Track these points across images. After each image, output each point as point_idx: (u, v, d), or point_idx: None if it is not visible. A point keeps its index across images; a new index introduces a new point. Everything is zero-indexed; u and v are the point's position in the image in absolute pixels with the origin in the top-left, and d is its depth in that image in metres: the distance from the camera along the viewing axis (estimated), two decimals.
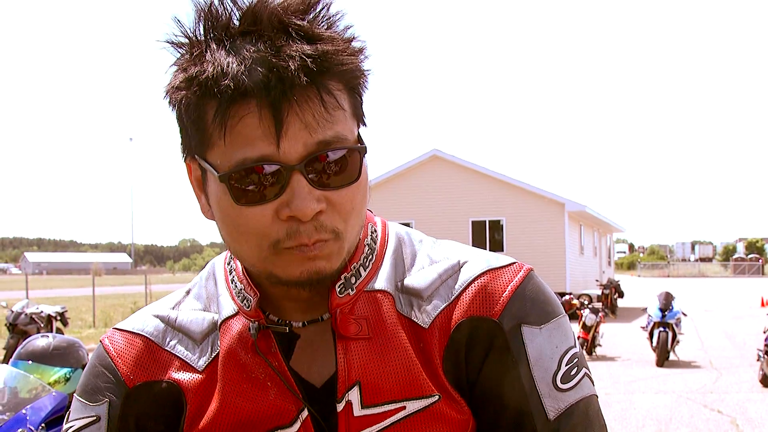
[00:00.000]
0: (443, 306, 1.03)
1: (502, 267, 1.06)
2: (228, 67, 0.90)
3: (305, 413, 1.01)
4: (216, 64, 0.91)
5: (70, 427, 1.09)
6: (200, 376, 1.05)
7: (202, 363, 1.06)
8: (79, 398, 1.10)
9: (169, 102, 0.97)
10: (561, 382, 1.02)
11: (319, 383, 1.03)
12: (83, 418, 1.08)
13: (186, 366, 1.06)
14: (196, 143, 0.96)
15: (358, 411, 1.00)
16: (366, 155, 0.98)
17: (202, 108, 0.93)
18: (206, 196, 1.01)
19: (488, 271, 1.06)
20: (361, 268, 1.05)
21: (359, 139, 0.99)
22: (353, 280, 1.04)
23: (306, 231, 0.93)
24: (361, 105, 0.99)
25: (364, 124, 1.01)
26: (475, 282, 1.04)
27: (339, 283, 1.03)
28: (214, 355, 1.06)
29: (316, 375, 1.03)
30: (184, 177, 1.05)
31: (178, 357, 1.07)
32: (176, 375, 1.06)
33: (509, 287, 1.04)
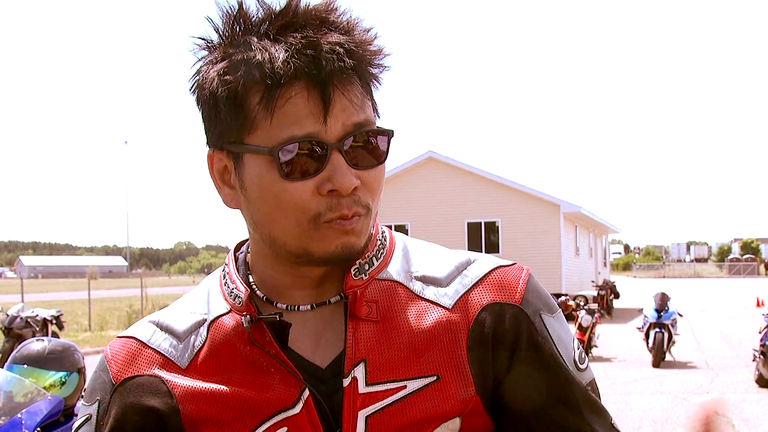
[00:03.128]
0: (464, 290, 1.11)
1: (508, 265, 1.15)
2: (277, 52, 0.98)
3: (307, 393, 1.05)
4: (264, 50, 0.99)
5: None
6: (182, 371, 1.10)
7: (185, 360, 1.11)
8: (82, 402, 1.17)
9: (202, 93, 1.04)
10: (579, 362, 1.13)
11: (324, 364, 1.07)
12: (81, 418, 1.16)
13: (168, 361, 1.12)
14: (233, 129, 1.02)
15: (363, 388, 1.04)
16: (393, 138, 1.07)
17: (247, 92, 1.00)
18: (230, 187, 1.08)
19: (498, 267, 1.14)
20: (374, 258, 1.13)
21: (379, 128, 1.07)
22: (366, 267, 1.11)
23: (346, 203, 1.02)
24: (375, 98, 1.08)
25: (379, 116, 1.08)
26: (491, 274, 1.12)
27: (354, 267, 1.10)
28: (196, 350, 1.11)
29: (321, 356, 1.08)
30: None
31: (162, 354, 1.13)
32: (158, 371, 1.11)
33: (521, 280, 1.13)
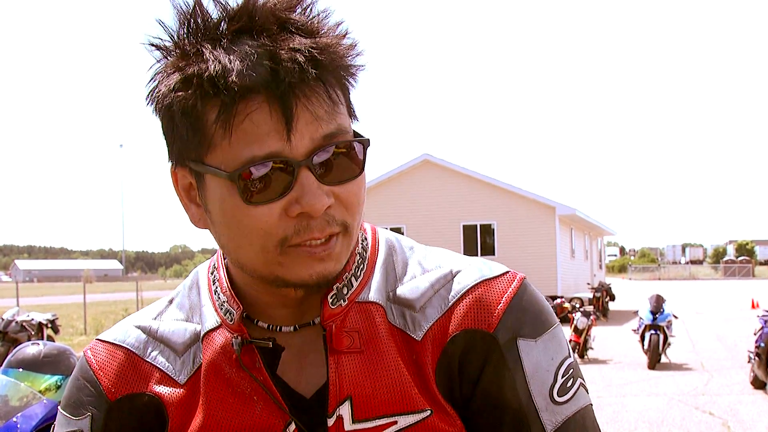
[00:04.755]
0: (436, 318, 1.02)
1: (495, 277, 1.04)
2: (231, 63, 0.88)
3: (293, 426, 0.99)
4: (218, 61, 0.88)
5: None
6: (181, 389, 1.04)
7: (183, 377, 1.04)
8: (63, 412, 1.09)
9: (158, 107, 0.95)
10: (558, 395, 1.01)
11: (309, 394, 1.02)
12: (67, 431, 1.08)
13: (167, 378, 1.05)
14: (192, 147, 0.94)
15: (348, 426, 0.98)
16: (369, 147, 0.98)
17: (203, 108, 0.90)
18: (197, 205, 1.00)
19: (482, 282, 1.03)
20: (353, 279, 1.03)
21: (356, 134, 0.98)
22: (345, 290, 1.02)
23: (317, 225, 0.92)
24: (351, 100, 0.99)
25: (357, 119, 1.00)
26: (469, 293, 1.02)
27: (331, 294, 1.01)
28: (195, 368, 1.04)
29: (306, 385, 1.02)
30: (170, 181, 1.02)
31: (159, 369, 1.06)
32: (157, 388, 1.05)
33: (504, 298, 1.02)
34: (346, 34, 0.95)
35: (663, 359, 13.86)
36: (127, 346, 1.08)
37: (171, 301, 1.13)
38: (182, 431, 1.02)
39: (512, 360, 1.00)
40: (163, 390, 1.04)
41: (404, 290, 1.04)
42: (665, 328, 13.76)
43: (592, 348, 14.86)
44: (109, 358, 1.08)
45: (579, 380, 1.05)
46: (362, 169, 0.96)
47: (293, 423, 0.99)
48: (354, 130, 0.99)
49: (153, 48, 0.95)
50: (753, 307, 27.02)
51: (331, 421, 0.98)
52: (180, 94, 0.91)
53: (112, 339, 1.10)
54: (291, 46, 0.89)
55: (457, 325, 1.01)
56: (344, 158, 0.94)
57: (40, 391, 3.84)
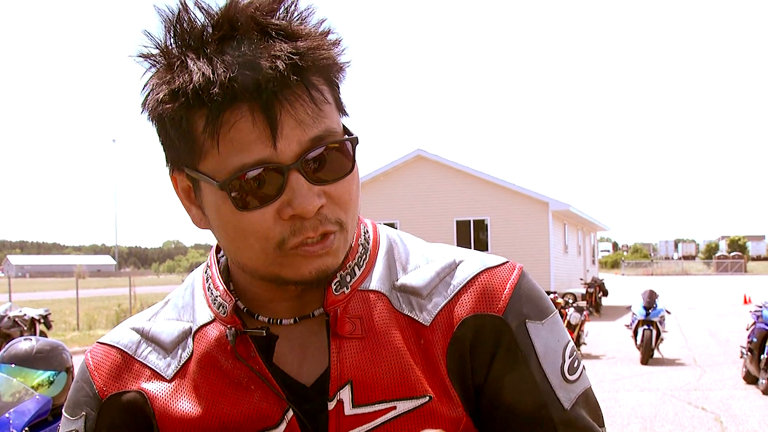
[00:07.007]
0: (444, 303, 1.05)
1: (497, 266, 1.08)
2: (214, 74, 0.89)
3: (291, 413, 1.01)
4: (201, 72, 0.90)
5: None
6: (168, 384, 1.06)
7: (170, 372, 1.07)
8: (65, 413, 1.13)
9: (151, 116, 0.97)
10: (568, 374, 1.06)
11: (309, 382, 1.03)
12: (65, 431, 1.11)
13: (156, 375, 1.07)
14: (185, 155, 0.96)
15: (349, 410, 1.00)
16: (357, 145, 0.99)
17: (191, 119, 0.93)
18: (197, 207, 1.02)
19: (485, 270, 1.07)
20: (356, 267, 1.06)
21: (345, 130, 1.00)
22: (348, 278, 1.05)
23: (311, 225, 0.94)
24: (341, 96, 1.00)
25: (346, 114, 1.01)
26: (475, 280, 1.06)
27: (335, 281, 1.04)
28: (182, 363, 1.07)
29: (306, 374, 1.04)
30: (168, 181, 1.05)
31: (148, 367, 1.08)
32: (145, 385, 1.07)
33: (508, 285, 1.06)
34: (329, 32, 0.96)
35: (656, 354, 13.91)
36: (121, 347, 1.11)
37: (167, 302, 1.16)
38: (168, 425, 1.04)
39: (524, 342, 1.04)
40: (149, 386, 1.07)
41: (410, 279, 1.07)
42: (658, 324, 13.80)
43: (585, 343, 14.89)
44: (104, 359, 1.11)
45: (582, 362, 1.10)
46: (353, 166, 0.98)
47: (291, 410, 1.01)
48: (343, 125, 1.00)
49: (141, 59, 0.97)
50: (745, 302, 27.13)
51: (331, 405, 1.00)
52: (168, 106, 0.93)
53: (108, 341, 1.14)
54: (272, 53, 0.90)
55: (467, 309, 1.04)
56: (333, 157, 0.96)
57: (32, 387, 3.83)
